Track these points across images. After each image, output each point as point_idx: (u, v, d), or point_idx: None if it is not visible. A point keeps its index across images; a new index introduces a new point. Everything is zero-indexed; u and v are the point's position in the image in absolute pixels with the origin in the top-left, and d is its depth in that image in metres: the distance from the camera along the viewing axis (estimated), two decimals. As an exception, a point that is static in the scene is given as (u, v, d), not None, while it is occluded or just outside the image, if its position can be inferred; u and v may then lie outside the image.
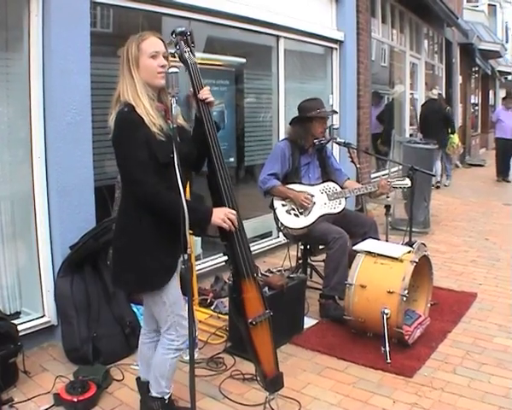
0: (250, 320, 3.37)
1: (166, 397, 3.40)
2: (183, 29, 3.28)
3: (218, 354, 4.56)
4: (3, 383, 3.89)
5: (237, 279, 3.41)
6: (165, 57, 3.13)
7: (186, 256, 2.85)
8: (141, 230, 3.09)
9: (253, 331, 3.39)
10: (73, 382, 3.93)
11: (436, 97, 13.79)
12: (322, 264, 5.74)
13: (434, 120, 13.14)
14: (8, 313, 4.66)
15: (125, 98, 3.05)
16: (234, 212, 3.21)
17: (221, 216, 3.14)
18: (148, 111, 3.00)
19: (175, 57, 3.29)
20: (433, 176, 7.74)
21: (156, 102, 3.12)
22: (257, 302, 3.45)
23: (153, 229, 3.08)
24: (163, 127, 3.02)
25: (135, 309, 4.75)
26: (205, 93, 3.26)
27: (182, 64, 3.32)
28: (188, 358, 3.68)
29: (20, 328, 4.34)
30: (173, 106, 2.91)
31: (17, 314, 4.76)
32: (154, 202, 3.01)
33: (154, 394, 3.40)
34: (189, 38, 3.29)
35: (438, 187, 13.73)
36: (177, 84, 2.93)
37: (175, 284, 3.25)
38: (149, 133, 2.97)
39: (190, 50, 3.28)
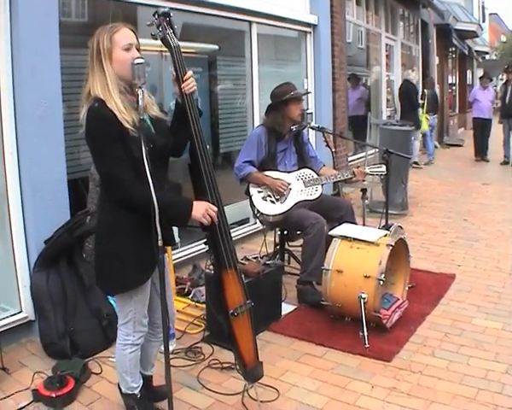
0: (231, 311, 3.36)
1: (137, 392, 3.39)
2: (166, 10, 3.16)
3: (196, 343, 4.56)
4: (-19, 382, 3.87)
5: (218, 270, 3.38)
6: (138, 49, 3.05)
7: (159, 247, 2.83)
8: (123, 227, 3.04)
9: (234, 322, 3.38)
10: (52, 377, 3.90)
11: (408, 78, 13.95)
12: (300, 249, 5.75)
13: (406, 102, 13.60)
14: (-14, 310, 4.62)
15: (95, 93, 2.96)
16: (214, 208, 3.15)
17: (201, 211, 3.08)
18: (119, 107, 2.92)
19: (157, 39, 3.18)
20: (409, 158, 7.74)
21: (128, 96, 3.03)
22: (238, 293, 3.42)
23: (134, 226, 3.02)
24: (136, 122, 2.93)
25: (112, 301, 4.71)
26: (189, 85, 3.18)
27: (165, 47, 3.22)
28: (171, 348, 3.70)
29: (-3, 324, 4.33)
30: (140, 97, 2.85)
31: (-5, 311, 4.72)
32: (133, 199, 2.94)
33: (123, 390, 3.40)
34: (171, 19, 3.18)
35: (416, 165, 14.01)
36: (144, 74, 2.87)
37: (149, 281, 3.20)
38: (122, 129, 2.90)
39: (173, 32, 3.17)
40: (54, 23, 4.67)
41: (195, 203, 3.10)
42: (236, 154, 5.88)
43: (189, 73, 3.21)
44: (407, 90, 13.76)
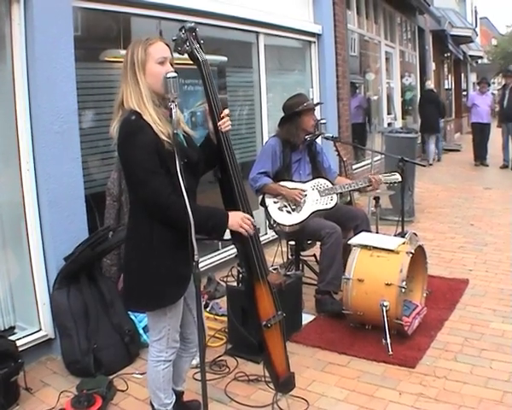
0: (264, 323, 3.36)
1: (170, 408, 3.35)
2: (193, 25, 3.16)
3: (220, 356, 4.54)
4: (6, 402, 3.83)
5: (250, 281, 3.38)
6: (171, 64, 3.03)
7: (194, 263, 2.80)
8: (158, 242, 2.99)
9: (267, 334, 3.38)
10: (79, 396, 3.88)
11: (431, 88, 15.84)
12: (312, 258, 5.71)
13: (430, 109, 15.24)
14: (2, 329, 4.58)
15: (129, 106, 2.94)
16: (249, 216, 3.16)
17: (238, 221, 3.09)
18: (154, 119, 2.90)
19: (183, 55, 3.18)
20: (423, 166, 7.74)
21: (162, 109, 3.01)
22: (270, 304, 3.43)
23: (170, 240, 2.99)
24: (170, 135, 2.90)
25: (132, 317, 4.70)
26: (225, 124, 3.20)
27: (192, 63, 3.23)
28: (195, 362, 3.68)
29: (16, 344, 4.26)
30: (173, 111, 2.83)
31: (11, 329, 4.67)
32: (170, 213, 2.90)
33: (156, 407, 3.34)
34: (198, 33, 3.19)
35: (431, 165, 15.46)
36: (177, 88, 2.85)
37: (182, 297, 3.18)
38: (159, 142, 2.88)
39: (200, 47, 3.17)
40: (69, 35, 4.65)
41: (231, 214, 3.10)
42: (247, 164, 5.87)
43: (226, 111, 3.23)
44: (433, 98, 15.71)
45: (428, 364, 4.29)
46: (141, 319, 4.71)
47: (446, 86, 24.43)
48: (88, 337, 4.40)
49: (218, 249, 6.82)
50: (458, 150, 19.45)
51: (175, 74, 2.88)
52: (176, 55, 3.17)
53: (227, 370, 4.35)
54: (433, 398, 3.82)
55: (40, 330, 4.66)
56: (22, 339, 4.50)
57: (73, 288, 4.52)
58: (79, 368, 4.33)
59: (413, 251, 4.65)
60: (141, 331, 4.67)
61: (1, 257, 4.63)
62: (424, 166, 7.83)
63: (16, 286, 4.72)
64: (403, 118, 16.51)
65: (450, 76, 25.81)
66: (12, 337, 4.37)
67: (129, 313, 4.65)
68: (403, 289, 4.47)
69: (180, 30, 3.15)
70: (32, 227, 4.56)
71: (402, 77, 16.97)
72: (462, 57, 27.24)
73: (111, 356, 4.40)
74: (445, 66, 24.22)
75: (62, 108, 4.56)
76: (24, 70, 4.41)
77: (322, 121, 5.78)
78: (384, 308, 4.46)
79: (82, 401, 3.76)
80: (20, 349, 4.30)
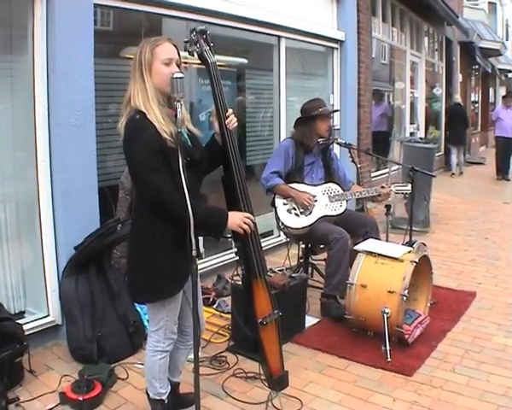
0: (260, 320, 3.43)
1: (165, 398, 3.43)
2: (203, 27, 3.25)
3: (221, 352, 4.61)
4: (9, 382, 3.93)
5: (248, 279, 3.45)
6: (178, 65, 3.11)
7: (193, 258, 2.88)
8: (160, 237, 3.08)
9: (262, 331, 3.45)
10: (79, 381, 3.98)
11: (459, 102, 16.28)
12: (323, 263, 5.76)
13: (457, 122, 15.75)
14: (13, 313, 4.68)
15: (135, 104, 3.02)
16: (248, 215, 3.24)
17: (237, 221, 3.16)
18: (158, 118, 2.97)
19: (193, 56, 3.27)
20: (434, 176, 7.73)
21: (167, 108, 3.09)
22: (266, 302, 3.50)
23: (171, 236, 3.07)
24: (174, 134, 2.98)
25: (138, 308, 4.79)
26: (232, 121, 3.29)
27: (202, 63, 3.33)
28: (192, 356, 3.75)
29: (24, 327, 4.37)
30: (178, 110, 2.91)
31: (21, 314, 4.80)
32: (171, 209, 2.98)
33: (151, 396, 3.43)
34: (208, 36, 3.27)
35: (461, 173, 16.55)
36: (183, 89, 2.93)
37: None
38: (161, 140, 2.96)
39: (210, 49, 3.26)
40: (89, 31, 4.76)
41: (230, 213, 3.18)
42: (262, 166, 5.94)
43: (230, 111, 3.31)
44: (460, 111, 16.26)
45: (426, 373, 4.31)
46: (146, 312, 4.78)
47: (473, 99, 24.28)
48: (93, 325, 4.51)
49: (231, 248, 6.81)
50: (482, 163, 19.35)
51: (181, 75, 2.96)
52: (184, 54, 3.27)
53: (226, 366, 4.43)
54: (427, 407, 3.84)
55: (48, 315, 4.77)
56: (30, 323, 4.62)
57: (82, 277, 4.63)
58: (83, 354, 4.43)
59: (417, 260, 4.68)
60: (146, 323, 4.73)
61: (14, 244, 4.74)
62: (434, 176, 7.80)
63: (28, 272, 4.84)
64: (436, 128, 16.73)
65: (477, 88, 25.64)
66: (21, 321, 4.46)
67: (135, 304, 4.74)
68: (404, 298, 4.51)
69: (191, 32, 3.24)
70: (45, 216, 4.68)
71: (432, 87, 16.99)
72: (490, 70, 27.05)
73: (114, 345, 4.50)
74: (473, 78, 24.07)
75: (80, 102, 4.66)
76: (44, 64, 4.53)
77: (335, 127, 5.83)
78: (385, 315, 4.50)
79: (82, 386, 3.85)
80: (28, 333, 4.41)
